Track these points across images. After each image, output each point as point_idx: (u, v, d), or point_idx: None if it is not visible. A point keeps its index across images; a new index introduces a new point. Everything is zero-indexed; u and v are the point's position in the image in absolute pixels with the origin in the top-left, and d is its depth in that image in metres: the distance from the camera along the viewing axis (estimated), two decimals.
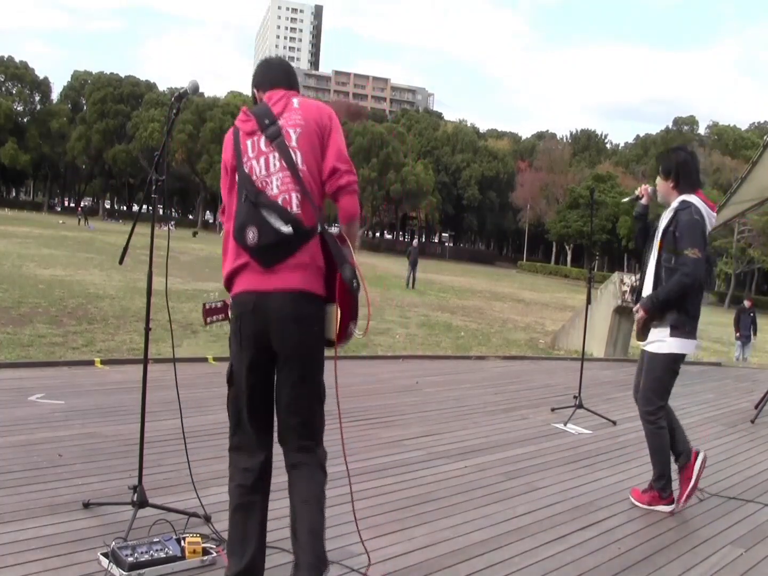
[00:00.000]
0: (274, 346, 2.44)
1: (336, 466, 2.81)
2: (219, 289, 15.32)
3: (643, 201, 4.34)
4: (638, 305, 4.00)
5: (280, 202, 2.42)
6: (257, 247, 2.39)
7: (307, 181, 2.44)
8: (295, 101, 2.54)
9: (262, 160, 2.44)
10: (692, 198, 3.94)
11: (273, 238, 2.39)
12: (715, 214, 4.07)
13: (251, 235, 2.39)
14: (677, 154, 4.15)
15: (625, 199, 4.77)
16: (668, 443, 4.06)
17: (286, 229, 2.39)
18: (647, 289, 4.05)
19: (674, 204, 3.97)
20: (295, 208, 2.42)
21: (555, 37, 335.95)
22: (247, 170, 2.45)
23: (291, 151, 2.44)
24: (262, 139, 2.46)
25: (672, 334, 3.92)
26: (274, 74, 2.67)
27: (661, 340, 3.95)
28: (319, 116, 2.51)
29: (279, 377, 2.50)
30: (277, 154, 2.44)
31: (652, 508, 4.05)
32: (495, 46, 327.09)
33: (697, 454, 4.10)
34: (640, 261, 4.29)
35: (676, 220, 3.90)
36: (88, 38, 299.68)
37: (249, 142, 2.47)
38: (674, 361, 4.01)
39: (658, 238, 4.01)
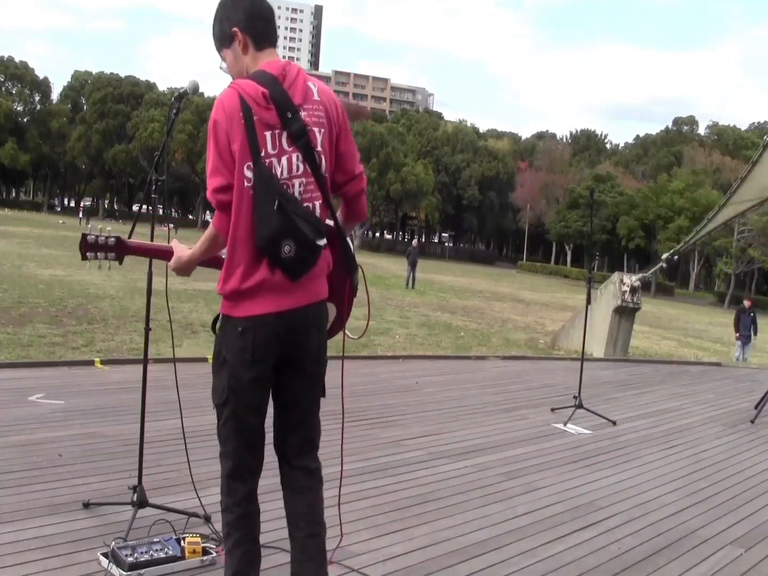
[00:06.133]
0: (289, 356, 2.27)
1: (335, 466, 2.81)
2: None
3: None
4: None
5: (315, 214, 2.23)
6: (293, 260, 2.15)
7: (327, 188, 2.27)
8: (314, 89, 2.24)
9: (284, 160, 2.15)
10: None
11: (310, 252, 2.19)
12: None
13: (287, 248, 2.12)
14: None
15: None
16: None
17: (322, 242, 2.21)
18: None
19: None
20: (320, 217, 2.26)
21: (556, 38, 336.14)
22: (273, 171, 2.14)
23: (316, 155, 2.21)
24: (284, 136, 2.15)
25: None
26: (273, 27, 2.29)
27: None
28: (336, 112, 2.29)
29: (292, 387, 2.31)
30: (300, 156, 2.18)
31: None
32: (496, 46, 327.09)
33: None
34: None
35: None
36: (89, 38, 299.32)
37: (269, 135, 2.13)
38: None
39: None
